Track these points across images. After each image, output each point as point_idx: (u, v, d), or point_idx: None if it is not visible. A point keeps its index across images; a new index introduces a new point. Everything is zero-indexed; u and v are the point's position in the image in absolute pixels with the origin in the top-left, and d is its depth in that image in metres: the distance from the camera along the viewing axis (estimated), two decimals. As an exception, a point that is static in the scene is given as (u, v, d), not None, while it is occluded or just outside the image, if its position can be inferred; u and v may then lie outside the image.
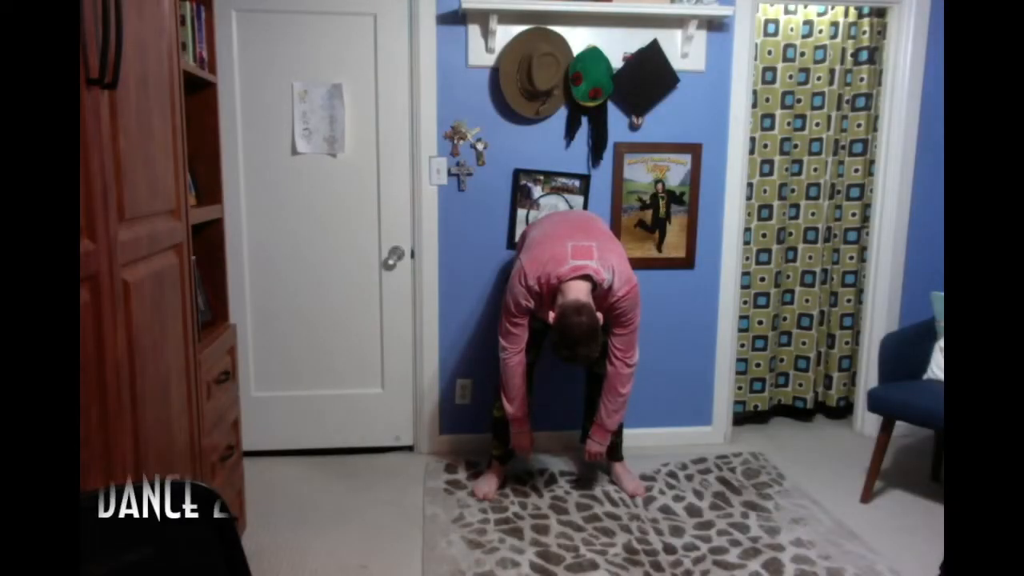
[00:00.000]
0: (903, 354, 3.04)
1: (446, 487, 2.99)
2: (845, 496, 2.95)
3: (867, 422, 3.60)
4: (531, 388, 2.86)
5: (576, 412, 3.28)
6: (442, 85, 3.09)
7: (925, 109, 3.37)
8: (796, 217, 3.69)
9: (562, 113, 3.17)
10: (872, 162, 3.59)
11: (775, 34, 3.49)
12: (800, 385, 3.81)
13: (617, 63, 3.13)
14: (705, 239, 3.34)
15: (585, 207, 3.23)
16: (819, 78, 3.55)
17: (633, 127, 3.22)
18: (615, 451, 3.02)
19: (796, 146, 3.60)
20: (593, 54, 3.07)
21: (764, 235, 3.61)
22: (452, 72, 3.09)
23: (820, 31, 3.52)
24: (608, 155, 3.22)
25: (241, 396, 2.56)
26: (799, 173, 3.65)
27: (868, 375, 3.56)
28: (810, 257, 3.71)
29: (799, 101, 3.56)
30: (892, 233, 3.47)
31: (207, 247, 2.38)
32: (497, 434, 2.96)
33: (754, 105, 3.46)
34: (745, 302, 3.63)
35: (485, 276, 3.24)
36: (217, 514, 1.10)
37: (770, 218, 3.60)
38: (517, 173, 3.18)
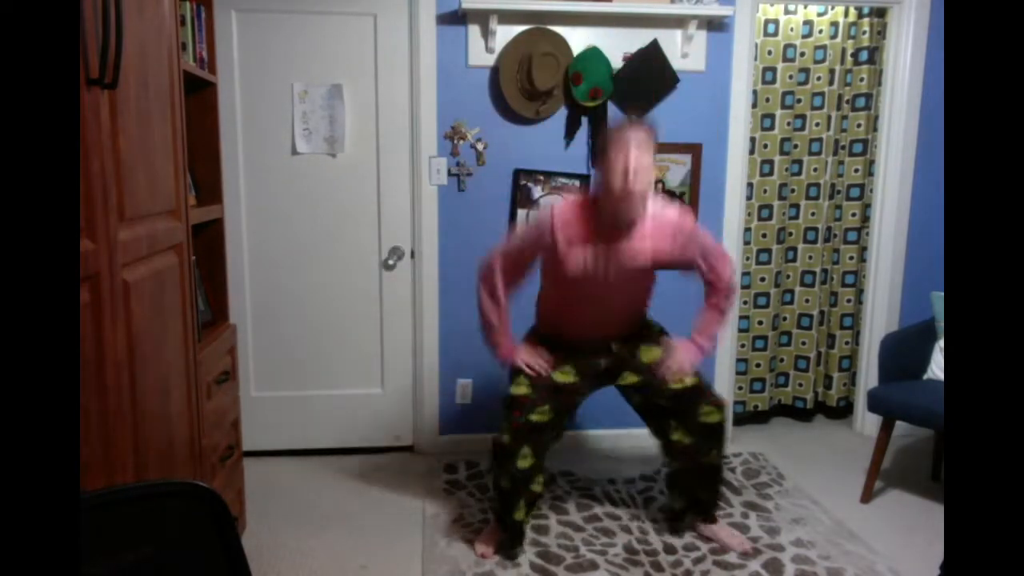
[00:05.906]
0: (903, 354, 3.04)
1: (446, 487, 2.99)
2: (845, 496, 2.96)
3: (867, 422, 3.60)
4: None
5: (580, 413, 3.27)
6: (442, 85, 3.09)
7: (925, 109, 3.37)
8: (796, 217, 3.69)
9: (562, 113, 3.17)
10: (872, 162, 3.59)
11: (775, 34, 3.49)
12: (800, 385, 3.81)
13: (617, 63, 3.13)
14: (705, 239, 3.33)
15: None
16: (819, 78, 3.55)
17: (633, 127, 3.22)
18: (708, 511, 2.59)
19: (796, 146, 3.60)
20: (593, 54, 3.07)
21: (764, 235, 3.61)
22: (452, 72, 3.09)
23: (820, 31, 3.52)
24: (608, 155, 3.22)
25: (241, 396, 2.57)
26: (799, 173, 3.65)
27: (868, 375, 3.57)
28: (810, 257, 3.71)
29: (799, 101, 3.56)
30: (892, 233, 3.47)
31: (207, 247, 2.38)
32: (504, 494, 2.43)
33: (754, 105, 3.46)
34: (745, 302, 3.63)
35: (485, 276, 3.23)
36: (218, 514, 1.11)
37: (770, 218, 3.60)
38: (517, 173, 3.18)
